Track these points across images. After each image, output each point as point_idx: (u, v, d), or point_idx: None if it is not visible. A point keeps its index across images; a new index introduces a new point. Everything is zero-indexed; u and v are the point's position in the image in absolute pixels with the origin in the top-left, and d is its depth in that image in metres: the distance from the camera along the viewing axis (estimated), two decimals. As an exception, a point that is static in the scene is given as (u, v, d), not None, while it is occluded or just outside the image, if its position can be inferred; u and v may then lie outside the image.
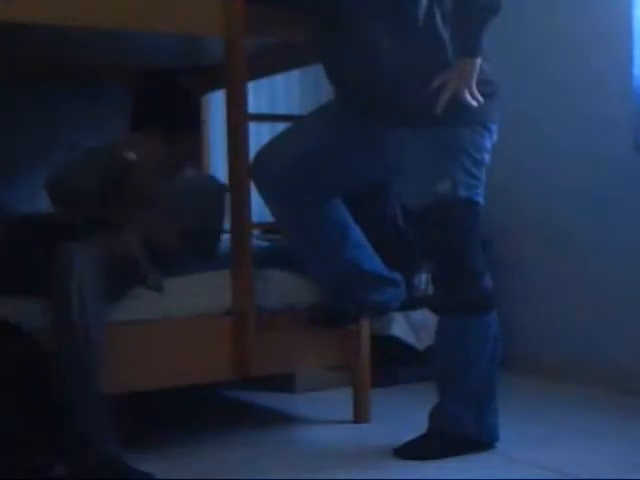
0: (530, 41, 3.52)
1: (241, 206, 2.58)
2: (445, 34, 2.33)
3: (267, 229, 3.10)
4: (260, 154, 2.60)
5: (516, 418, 2.75)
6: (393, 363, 3.39)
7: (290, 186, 2.52)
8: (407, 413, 2.90)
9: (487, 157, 2.45)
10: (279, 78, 3.66)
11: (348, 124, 2.51)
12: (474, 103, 2.33)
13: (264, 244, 3.01)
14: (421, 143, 2.40)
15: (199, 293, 2.62)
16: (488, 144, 2.45)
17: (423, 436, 2.51)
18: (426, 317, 3.37)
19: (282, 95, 3.77)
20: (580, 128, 3.36)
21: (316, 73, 3.61)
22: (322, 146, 2.53)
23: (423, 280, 3.36)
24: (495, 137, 2.48)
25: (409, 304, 3.03)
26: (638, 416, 2.86)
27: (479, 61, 2.33)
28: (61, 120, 3.38)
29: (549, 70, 3.46)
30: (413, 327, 3.42)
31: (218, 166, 3.47)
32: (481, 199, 2.44)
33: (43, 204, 3.31)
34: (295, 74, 3.71)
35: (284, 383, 3.30)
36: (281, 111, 3.71)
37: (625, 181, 3.20)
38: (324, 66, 2.56)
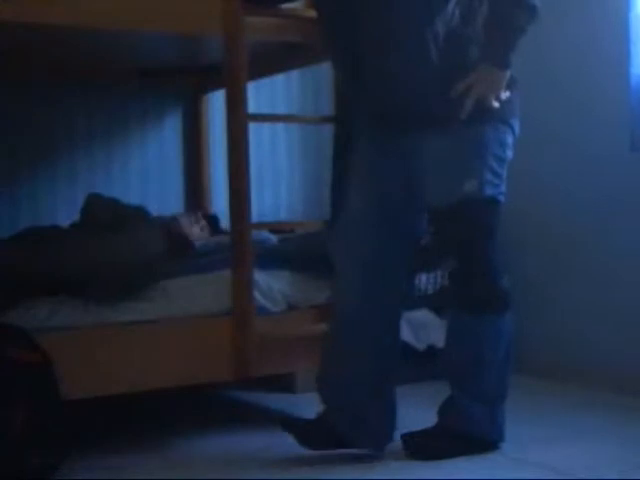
0: (527, 41, 3.51)
1: (241, 206, 2.58)
2: (465, 33, 2.33)
3: (267, 229, 3.10)
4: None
5: (516, 418, 2.74)
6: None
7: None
8: (407, 413, 2.90)
9: (509, 153, 2.45)
10: (279, 78, 3.65)
11: (381, 155, 2.48)
12: (497, 105, 2.34)
13: (268, 240, 3.00)
14: (446, 143, 2.38)
15: (199, 293, 2.62)
16: (510, 140, 2.45)
17: (432, 433, 2.51)
18: (426, 317, 3.37)
19: (282, 95, 3.77)
20: (577, 128, 3.36)
21: (316, 73, 3.61)
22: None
23: (423, 280, 3.36)
24: (517, 131, 2.47)
25: (409, 304, 3.03)
26: (638, 416, 2.86)
27: (509, 73, 2.33)
28: (61, 119, 3.38)
29: (546, 70, 3.46)
30: (413, 327, 3.42)
31: (218, 166, 3.47)
32: (502, 198, 2.45)
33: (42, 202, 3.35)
34: (295, 74, 3.71)
35: (284, 383, 3.30)
36: (281, 111, 3.71)
37: (622, 181, 3.20)
38: (344, 71, 2.53)
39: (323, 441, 2.46)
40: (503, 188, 2.44)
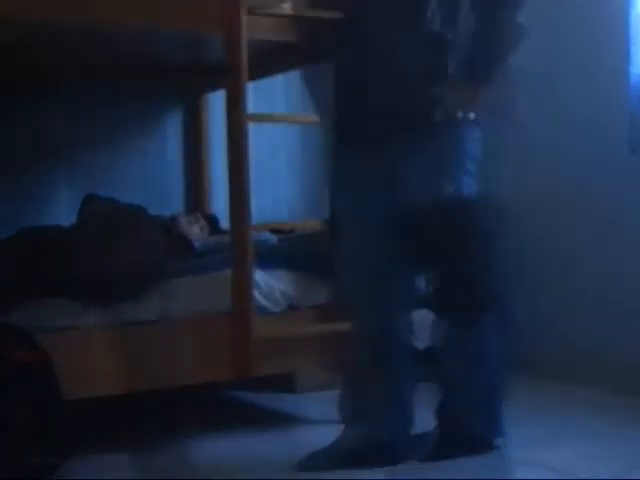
0: (527, 41, 3.51)
1: (241, 206, 2.58)
2: (445, 36, 2.33)
3: (267, 229, 3.10)
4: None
5: (517, 418, 2.74)
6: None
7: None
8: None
9: (479, 149, 2.46)
10: (279, 78, 3.66)
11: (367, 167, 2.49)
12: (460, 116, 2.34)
13: (268, 240, 3.00)
14: (425, 145, 2.38)
15: (199, 293, 2.62)
16: (479, 134, 2.46)
17: (432, 434, 2.51)
18: (426, 317, 3.36)
19: (282, 95, 3.77)
20: (576, 129, 3.36)
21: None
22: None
23: (423, 280, 3.35)
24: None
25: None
26: (638, 416, 2.86)
27: (487, 90, 2.33)
28: (61, 119, 3.38)
29: (546, 70, 3.46)
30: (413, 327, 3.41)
31: (218, 166, 3.47)
32: (475, 197, 2.45)
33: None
34: (295, 74, 3.71)
35: (284, 383, 3.30)
36: (281, 111, 3.71)
37: (622, 182, 3.20)
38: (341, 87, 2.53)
39: (337, 461, 2.40)
40: (475, 187, 2.45)
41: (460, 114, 2.32)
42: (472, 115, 2.34)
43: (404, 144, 2.40)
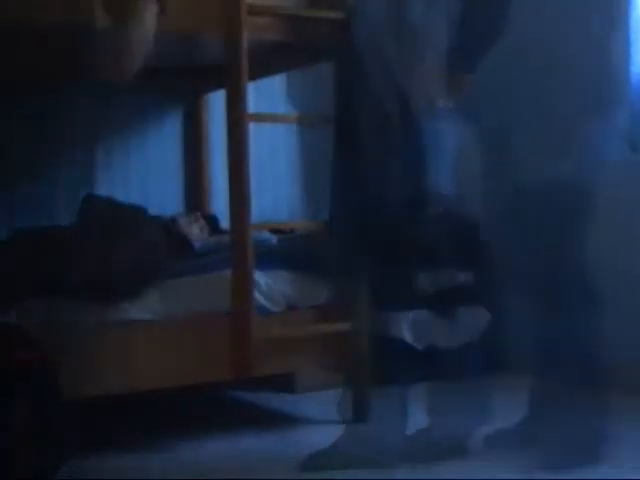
0: (526, 40, 3.50)
1: (241, 206, 2.59)
2: (423, 26, 2.34)
3: (267, 229, 3.10)
4: None
5: (516, 418, 2.74)
6: (393, 363, 3.38)
7: None
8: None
9: (455, 144, 2.47)
10: (279, 78, 3.66)
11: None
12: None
13: (268, 240, 3.01)
14: (404, 142, 2.40)
15: (199, 293, 2.62)
16: (456, 129, 2.47)
17: (432, 435, 2.51)
18: (426, 317, 3.36)
19: (282, 95, 3.77)
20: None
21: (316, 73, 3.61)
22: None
23: (423, 280, 3.35)
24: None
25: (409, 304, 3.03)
26: (638, 416, 2.86)
27: (469, 81, 2.34)
28: (61, 119, 3.38)
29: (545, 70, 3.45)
30: (413, 327, 3.41)
31: (218, 166, 3.47)
32: (451, 192, 2.46)
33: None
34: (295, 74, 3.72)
35: (284, 383, 3.30)
36: (281, 111, 3.71)
37: (622, 182, 3.19)
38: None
39: (338, 462, 2.42)
40: (452, 184, 2.46)
41: (441, 103, 2.33)
42: (451, 105, 2.35)
43: (394, 139, 2.41)
